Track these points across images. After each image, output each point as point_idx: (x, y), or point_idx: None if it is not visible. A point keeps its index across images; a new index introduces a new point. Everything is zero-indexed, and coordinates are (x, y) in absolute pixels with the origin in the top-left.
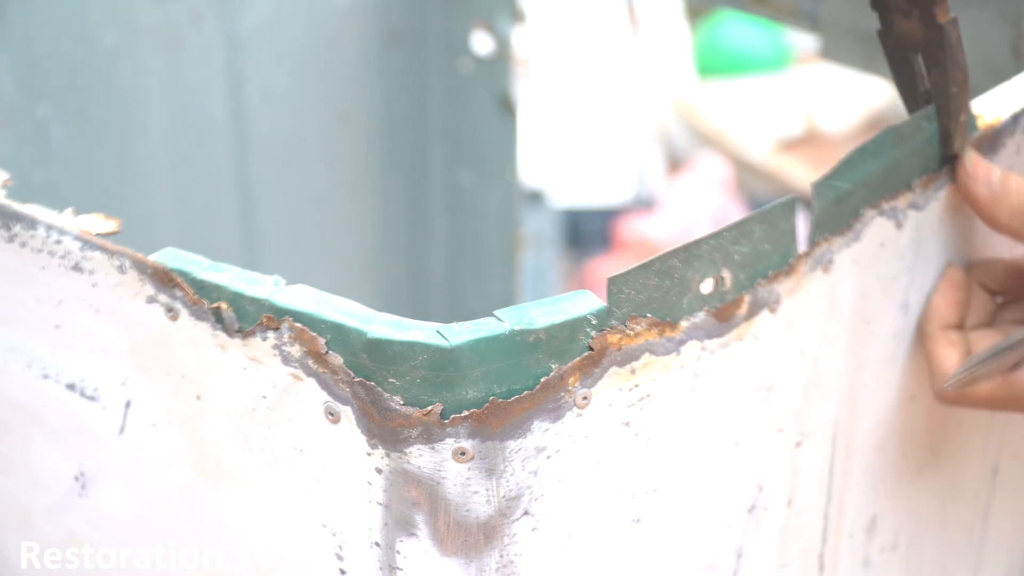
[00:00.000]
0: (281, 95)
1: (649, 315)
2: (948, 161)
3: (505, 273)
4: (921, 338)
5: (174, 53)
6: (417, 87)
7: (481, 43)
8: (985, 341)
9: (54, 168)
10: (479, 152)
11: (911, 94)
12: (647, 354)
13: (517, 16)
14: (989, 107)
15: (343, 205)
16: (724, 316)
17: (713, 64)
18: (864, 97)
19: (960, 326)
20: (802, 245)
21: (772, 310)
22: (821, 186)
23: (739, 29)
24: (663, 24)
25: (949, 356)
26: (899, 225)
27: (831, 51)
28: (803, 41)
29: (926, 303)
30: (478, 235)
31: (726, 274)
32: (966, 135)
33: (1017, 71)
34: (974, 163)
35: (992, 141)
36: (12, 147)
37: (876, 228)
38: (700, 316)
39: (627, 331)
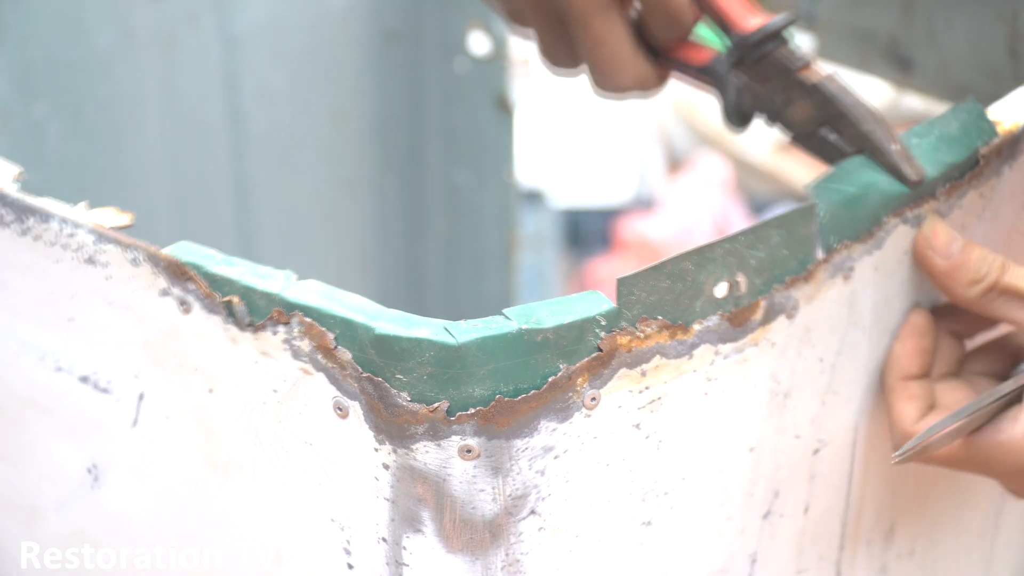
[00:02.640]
0: (277, 95)
1: (660, 317)
2: (972, 168)
3: (502, 273)
4: (882, 387)
5: (170, 53)
6: (414, 87)
7: (478, 43)
8: (951, 393)
9: (50, 168)
10: (476, 152)
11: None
12: (658, 356)
13: None
14: (1007, 113)
15: (340, 205)
16: (739, 321)
17: None
18: (863, 97)
19: (924, 375)
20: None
21: (790, 316)
22: (821, 189)
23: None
24: None
25: (907, 411)
26: None
27: (828, 51)
28: (803, 41)
29: (888, 351)
30: (475, 235)
31: (741, 279)
32: (912, 161)
33: (1014, 71)
34: (934, 231)
35: (1011, 147)
36: (8, 147)
37: (899, 236)
38: (714, 320)
39: (637, 333)
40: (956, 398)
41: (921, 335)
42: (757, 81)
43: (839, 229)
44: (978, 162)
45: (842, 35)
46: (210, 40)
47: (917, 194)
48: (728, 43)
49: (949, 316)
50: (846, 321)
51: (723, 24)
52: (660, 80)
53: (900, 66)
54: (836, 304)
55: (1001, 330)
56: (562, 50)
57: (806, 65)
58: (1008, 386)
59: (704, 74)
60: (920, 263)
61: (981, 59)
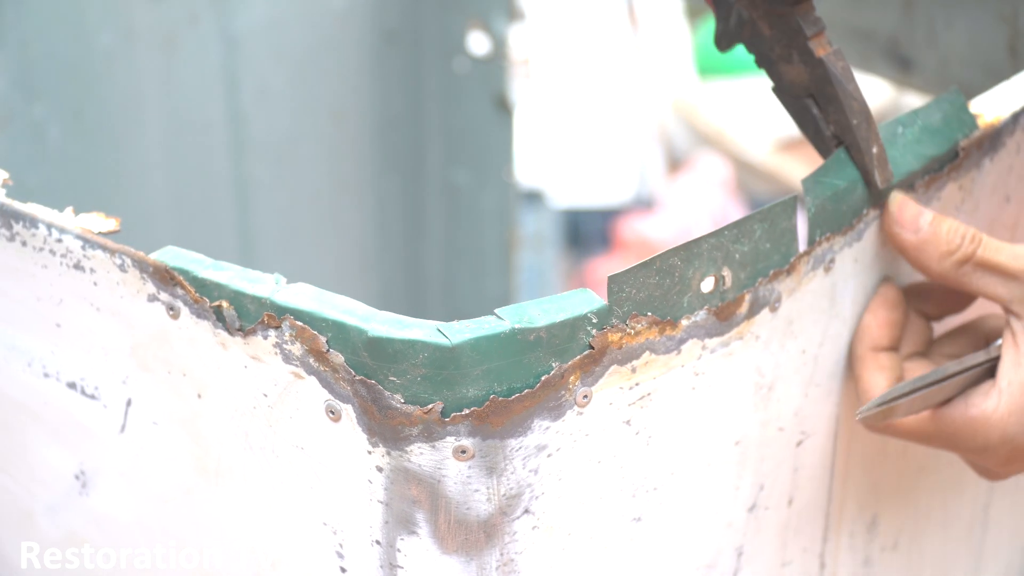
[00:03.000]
0: (277, 95)
1: (650, 314)
2: (952, 160)
3: (501, 272)
4: (851, 359)
5: (170, 53)
6: (413, 87)
7: (477, 43)
8: (919, 371)
9: (50, 168)
10: (475, 152)
11: (820, 141)
12: (648, 353)
13: (513, 16)
14: (989, 106)
15: (339, 204)
16: (725, 315)
17: (713, 64)
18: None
19: (893, 348)
20: (803, 244)
21: (773, 309)
22: (812, 183)
23: None
24: (663, 24)
25: (876, 381)
26: None
27: None
28: None
29: (859, 322)
30: (474, 235)
31: (727, 273)
32: (885, 167)
33: (1015, 70)
34: (899, 207)
35: (992, 140)
36: (8, 147)
37: (878, 228)
38: (701, 315)
39: (628, 330)
40: (916, 376)
41: (891, 307)
42: (764, 22)
43: (824, 222)
44: (957, 154)
45: (842, 34)
46: (210, 40)
47: (897, 186)
48: None
49: (918, 296)
50: (827, 313)
51: None
52: None
53: (900, 65)
54: (817, 296)
55: (970, 314)
56: None
57: (819, 32)
58: (979, 356)
59: None
60: (890, 241)
61: (981, 58)
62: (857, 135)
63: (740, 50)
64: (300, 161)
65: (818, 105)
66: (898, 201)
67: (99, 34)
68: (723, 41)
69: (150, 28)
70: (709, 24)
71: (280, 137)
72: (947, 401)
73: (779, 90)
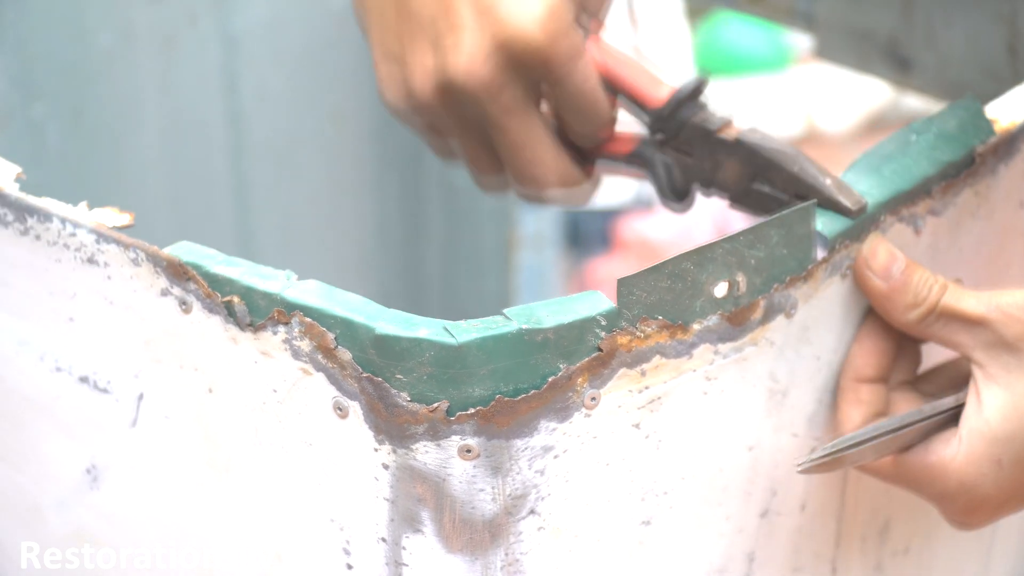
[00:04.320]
0: (276, 95)
1: (660, 317)
2: (969, 166)
3: (501, 273)
4: (836, 389)
5: (169, 53)
6: None
7: None
8: (907, 404)
9: (49, 168)
10: None
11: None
12: (658, 356)
13: None
14: (1004, 111)
15: (338, 205)
16: (738, 320)
17: (713, 64)
18: (864, 97)
19: (879, 380)
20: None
21: (788, 315)
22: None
23: (739, 29)
24: (663, 24)
25: (851, 416)
26: (918, 231)
27: (826, 51)
28: (803, 41)
29: (847, 352)
30: (473, 235)
31: (741, 278)
32: (850, 192)
33: (1013, 70)
34: (873, 250)
35: (1008, 146)
36: (7, 147)
37: (895, 234)
38: (713, 320)
39: (637, 333)
40: (908, 408)
41: (880, 337)
42: (683, 153)
43: (847, 231)
44: (974, 160)
45: (841, 35)
46: (209, 40)
47: (913, 192)
48: (646, 122)
49: None
50: (843, 320)
51: (637, 102)
52: (589, 183)
53: (899, 66)
54: (834, 303)
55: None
56: (488, 166)
57: (726, 124)
58: (948, 402)
59: (632, 162)
60: (859, 283)
61: (980, 58)
62: (804, 178)
63: (741, 50)
64: (299, 161)
65: (765, 180)
66: (872, 244)
67: (98, 34)
68: (669, 197)
69: (149, 28)
70: (709, 24)
71: (279, 137)
72: (909, 448)
73: (734, 199)
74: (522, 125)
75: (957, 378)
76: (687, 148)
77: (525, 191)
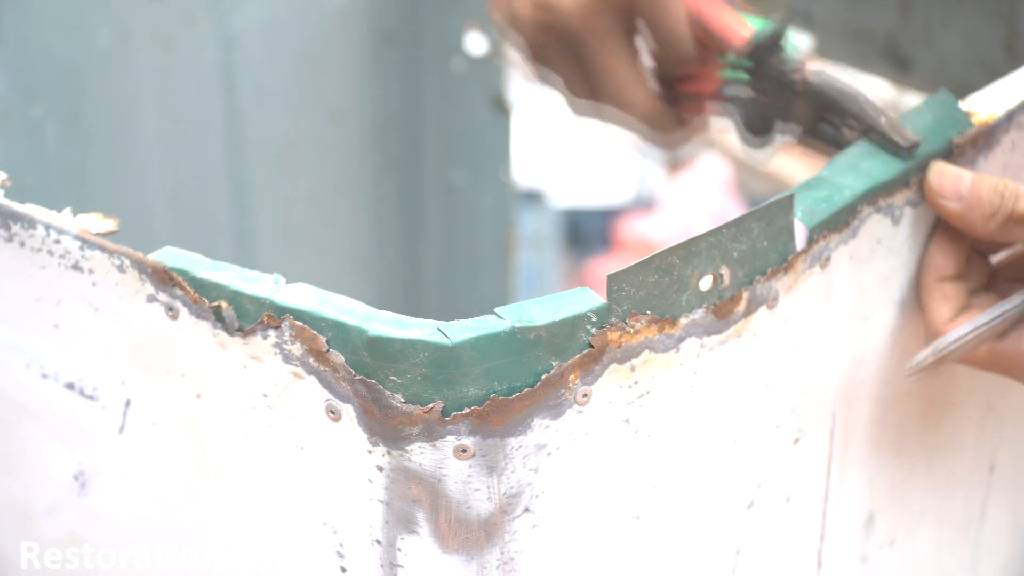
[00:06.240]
0: (274, 95)
1: (649, 312)
2: (946, 157)
3: (499, 273)
4: (918, 291)
5: (167, 53)
6: (410, 87)
7: (474, 43)
8: (984, 303)
9: (48, 169)
10: (472, 152)
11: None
12: (647, 351)
13: None
14: (984, 104)
15: (336, 205)
16: (723, 313)
17: None
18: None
19: (958, 278)
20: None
21: (770, 307)
22: (806, 186)
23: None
24: None
25: (941, 311)
26: (896, 221)
27: (825, 50)
28: (800, 40)
29: (923, 254)
30: (472, 235)
31: (725, 271)
32: (903, 130)
33: (1012, 68)
34: (938, 177)
35: (987, 138)
36: (6, 147)
37: (873, 225)
38: (699, 313)
39: (627, 328)
40: (988, 305)
41: (953, 238)
42: (760, 92)
43: (819, 221)
44: (951, 151)
45: (840, 34)
46: (207, 40)
47: (890, 183)
48: (728, 61)
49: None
50: (824, 311)
51: (721, 44)
52: (676, 122)
53: (898, 65)
54: (814, 294)
55: None
56: (578, 84)
57: (798, 67)
58: None
59: (717, 101)
60: (935, 211)
61: (979, 57)
62: (862, 117)
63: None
64: (297, 161)
65: (829, 120)
66: (936, 171)
67: (96, 34)
68: (747, 136)
69: (147, 28)
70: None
71: (277, 137)
72: (1003, 335)
73: (803, 137)
74: (612, 50)
75: None
76: (764, 88)
77: (613, 116)
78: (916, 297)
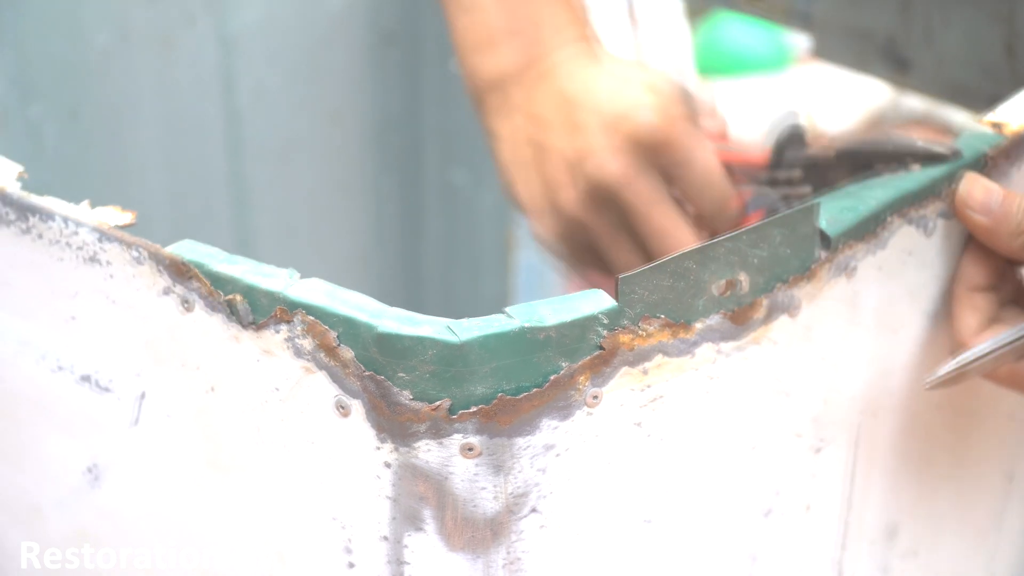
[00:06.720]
0: (274, 95)
1: (662, 316)
2: (980, 169)
3: (499, 273)
4: (949, 300)
5: (166, 53)
6: (411, 87)
7: None
8: (1014, 318)
9: (47, 168)
10: (472, 152)
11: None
12: (660, 355)
13: None
14: (1014, 114)
15: (336, 205)
16: (741, 319)
17: (713, 64)
18: (864, 97)
19: (989, 289)
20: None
21: (791, 315)
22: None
23: (739, 29)
24: (663, 24)
25: (968, 322)
26: (928, 233)
27: (824, 51)
28: (800, 41)
29: (957, 264)
30: (472, 234)
31: (743, 277)
32: (937, 141)
33: (1011, 69)
34: (970, 190)
35: (1019, 148)
36: (5, 147)
37: (903, 236)
38: (715, 319)
39: (639, 331)
40: (1017, 320)
41: (987, 250)
42: (794, 185)
43: (849, 231)
44: (985, 164)
45: (839, 35)
46: (206, 40)
47: (920, 193)
48: (763, 180)
49: None
50: (848, 320)
51: (749, 171)
52: None
53: (897, 66)
54: (838, 303)
55: None
56: (636, 260)
57: (820, 144)
58: None
59: (750, 209)
60: (962, 222)
61: (978, 58)
62: (900, 149)
63: (741, 50)
64: (297, 161)
65: (872, 168)
66: (967, 183)
67: (95, 34)
68: None
69: (146, 28)
70: (709, 24)
71: (277, 137)
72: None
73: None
74: (662, 210)
75: None
76: (797, 178)
77: None
78: (946, 307)
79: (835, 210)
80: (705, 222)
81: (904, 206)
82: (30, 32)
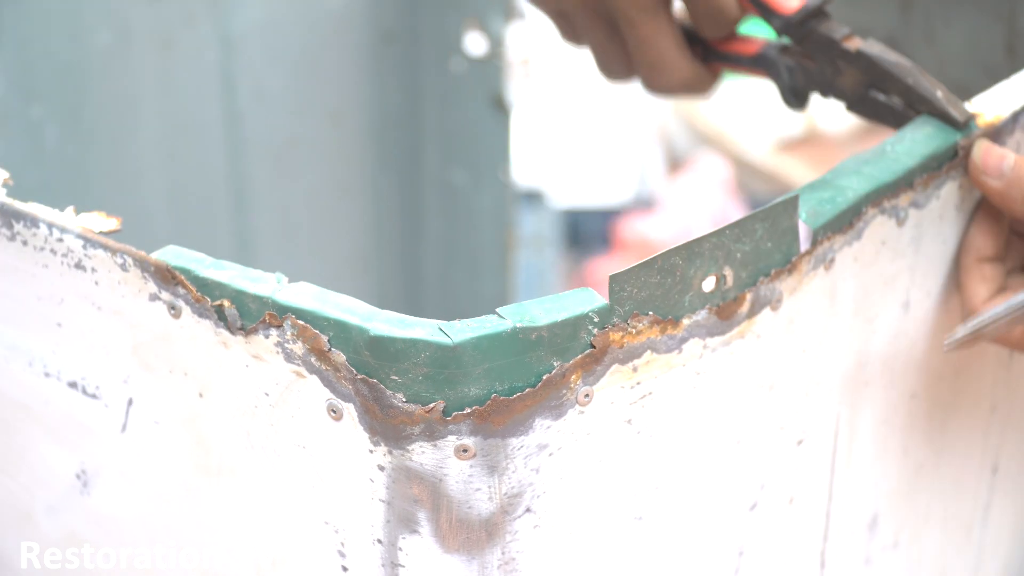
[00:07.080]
0: (274, 95)
1: (651, 313)
2: (950, 159)
3: (498, 273)
4: (957, 270)
5: (167, 54)
6: (410, 87)
7: (474, 43)
8: (1022, 285)
9: (47, 169)
10: (472, 152)
11: (901, 121)
12: (649, 352)
13: (510, 16)
14: (989, 105)
15: (336, 205)
16: (726, 314)
17: None
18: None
19: (997, 259)
20: (804, 244)
21: (774, 308)
22: (811, 187)
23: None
24: None
25: (978, 291)
26: (900, 223)
27: None
28: None
29: (964, 235)
30: (471, 235)
31: (728, 272)
32: (958, 104)
33: (1012, 69)
34: (984, 154)
35: (992, 140)
36: (5, 148)
37: (877, 226)
38: (702, 314)
39: (629, 329)
40: (998, 306)
41: (994, 219)
42: (806, 59)
43: (825, 222)
44: (956, 153)
45: None
46: (207, 41)
47: (894, 184)
48: (775, 27)
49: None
50: (828, 312)
51: (767, 10)
52: (711, 79)
53: None
54: (818, 295)
55: None
56: (615, 56)
57: (848, 35)
58: None
59: (756, 64)
60: (977, 187)
61: (979, 57)
62: (918, 90)
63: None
64: (297, 161)
65: (880, 90)
66: (982, 148)
67: (96, 35)
68: (791, 99)
69: (147, 29)
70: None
71: (277, 137)
72: None
73: (850, 104)
74: (651, 20)
75: None
76: (810, 54)
77: (649, 87)
78: (954, 277)
79: (814, 202)
80: (702, 33)
81: (879, 197)
82: (31, 32)
